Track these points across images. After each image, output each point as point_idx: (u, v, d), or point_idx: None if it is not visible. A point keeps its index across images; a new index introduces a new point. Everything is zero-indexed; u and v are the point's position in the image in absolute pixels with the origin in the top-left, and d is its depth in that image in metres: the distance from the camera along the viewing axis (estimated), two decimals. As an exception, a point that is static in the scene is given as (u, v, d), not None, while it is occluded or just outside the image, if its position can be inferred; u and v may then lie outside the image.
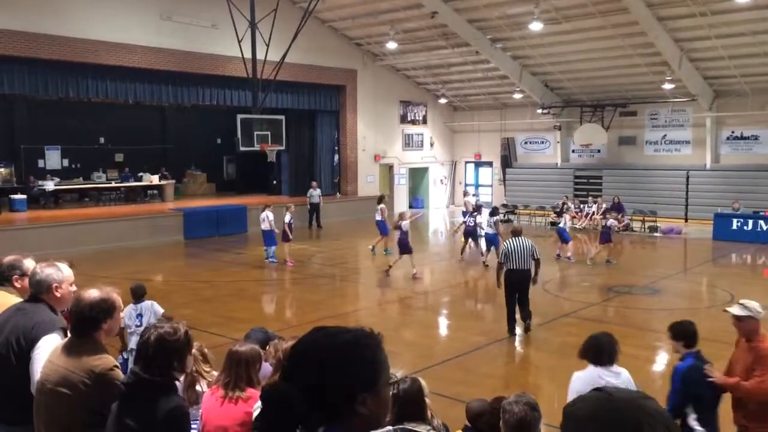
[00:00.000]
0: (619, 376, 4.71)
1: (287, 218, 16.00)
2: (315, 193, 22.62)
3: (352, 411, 1.56)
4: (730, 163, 23.87)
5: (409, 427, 3.58)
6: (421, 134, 29.99)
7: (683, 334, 4.95)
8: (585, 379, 4.58)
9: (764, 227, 19.62)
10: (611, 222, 16.75)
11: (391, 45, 23.85)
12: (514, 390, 4.12)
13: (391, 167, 28.86)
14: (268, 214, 16.02)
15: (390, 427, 3.50)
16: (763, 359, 4.72)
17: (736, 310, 4.81)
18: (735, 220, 20.12)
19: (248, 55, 18.54)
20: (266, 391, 1.71)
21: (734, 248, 18.59)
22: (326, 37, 24.89)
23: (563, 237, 16.58)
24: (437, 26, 23.06)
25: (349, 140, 26.68)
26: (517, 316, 9.79)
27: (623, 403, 1.27)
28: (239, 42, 18.12)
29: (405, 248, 14.16)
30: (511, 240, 9.81)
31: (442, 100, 29.71)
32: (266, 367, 4.22)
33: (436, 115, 30.59)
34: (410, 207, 29.72)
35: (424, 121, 30.07)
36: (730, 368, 5.02)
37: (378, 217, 17.42)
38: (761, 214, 20.38)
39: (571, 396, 4.86)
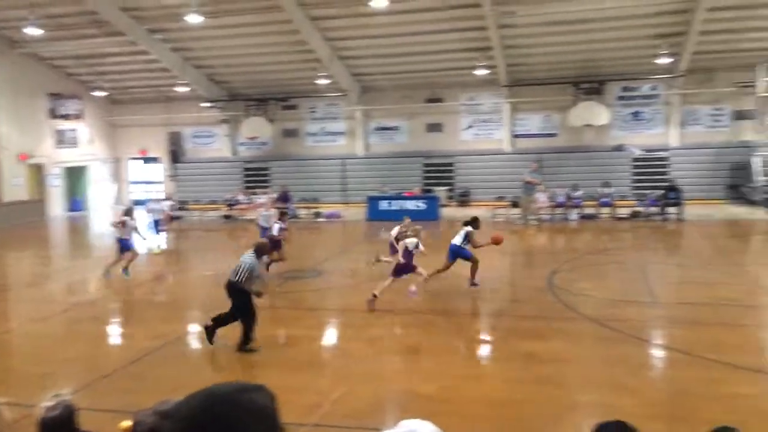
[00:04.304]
0: None
1: None
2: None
3: None
4: (378, 151, 26.94)
5: None
6: (76, 130, 27.51)
7: None
8: None
9: (406, 205, 22.64)
10: (278, 226, 14.06)
11: (33, 31, 21.23)
12: (182, 392, 4.13)
13: (41, 167, 25.91)
14: None
15: None
16: None
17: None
18: (384, 201, 22.83)
19: None
20: None
21: (384, 226, 21.02)
22: (-55, 17, 21.20)
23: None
24: (86, 13, 21.31)
25: (-13, 138, 23.24)
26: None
27: (218, 398, 1.29)
28: None
29: (407, 269, 11.19)
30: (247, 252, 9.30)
31: (99, 93, 27.63)
32: None
33: (94, 109, 28.38)
34: (70, 210, 27.15)
35: (79, 116, 27.62)
36: None
37: (122, 234, 14.10)
38: (403, 194, 23.51)
39: None
